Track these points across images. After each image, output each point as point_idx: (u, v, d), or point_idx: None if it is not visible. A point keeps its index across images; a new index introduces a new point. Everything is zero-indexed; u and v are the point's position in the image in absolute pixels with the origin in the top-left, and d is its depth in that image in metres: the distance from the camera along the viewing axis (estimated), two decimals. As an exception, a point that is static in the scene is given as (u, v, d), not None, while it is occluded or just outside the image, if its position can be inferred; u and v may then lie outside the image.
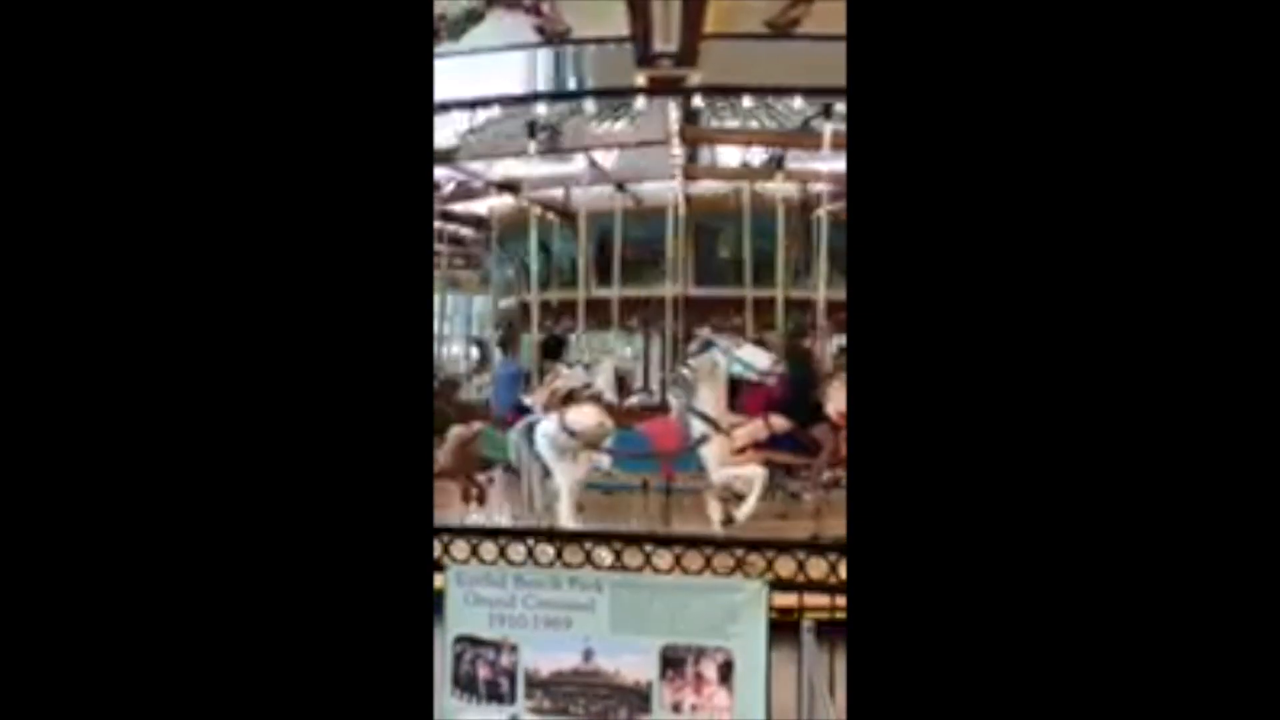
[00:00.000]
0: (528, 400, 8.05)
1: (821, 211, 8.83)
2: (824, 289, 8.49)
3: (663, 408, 7.89)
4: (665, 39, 7.76)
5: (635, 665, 4.16)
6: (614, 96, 8.94)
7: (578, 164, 9.72)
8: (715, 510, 6.62)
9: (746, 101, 8.81)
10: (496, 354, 10.46)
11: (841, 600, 3.65)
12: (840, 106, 7.54)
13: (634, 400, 9.06)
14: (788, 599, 4.12)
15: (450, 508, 7.82)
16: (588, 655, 4.20)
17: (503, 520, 7.82)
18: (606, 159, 10.26)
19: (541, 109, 8.52)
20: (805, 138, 8.90)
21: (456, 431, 7.96)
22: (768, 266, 9.55)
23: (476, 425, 8.08)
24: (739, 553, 4.28)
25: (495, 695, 4.27)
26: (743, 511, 6.40)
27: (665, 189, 9.82)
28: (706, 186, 10.24)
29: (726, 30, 8.17)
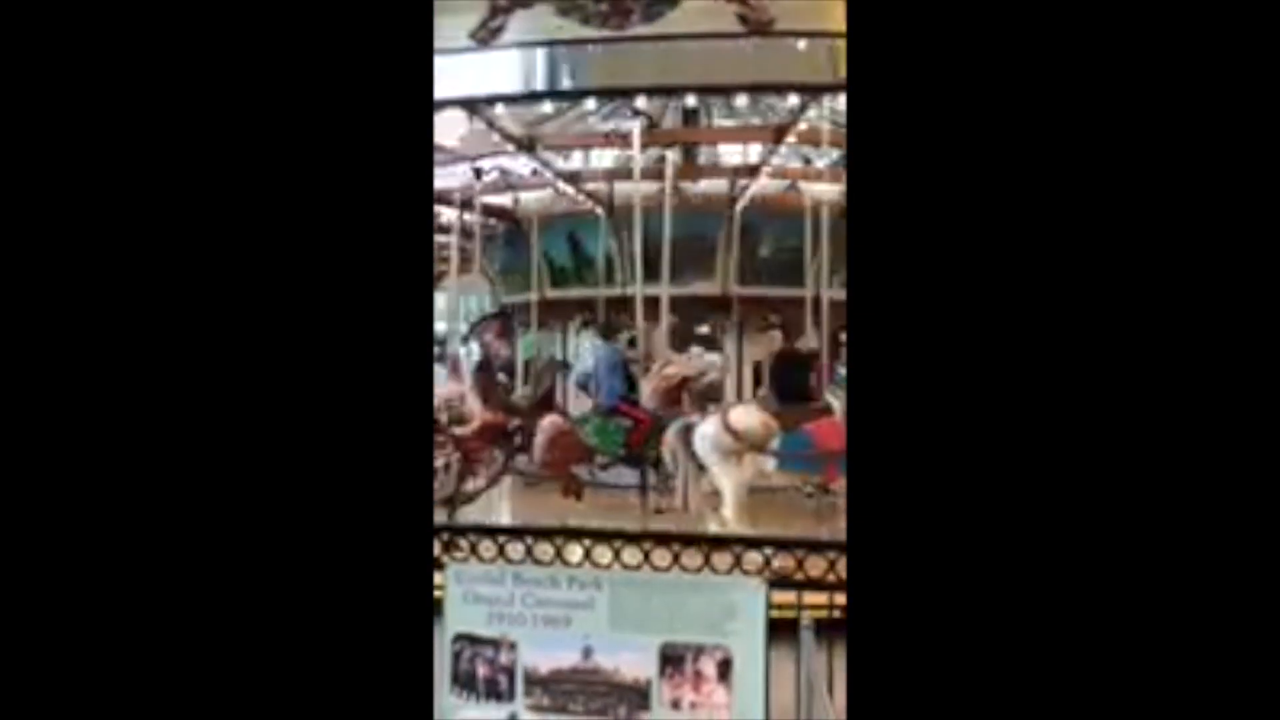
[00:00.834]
0: (643, 388, 7.85)
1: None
2: None
3: (827, 409, 7.77)
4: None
5: (634, 663, 4.16)
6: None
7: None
8: None
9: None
10: (590, 343, 10.14)
11: (840, 598, 3.66)
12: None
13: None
14: (787, 596, 4.13)
15: (544, 507, 7.49)
16: (587, 653, 4.20)
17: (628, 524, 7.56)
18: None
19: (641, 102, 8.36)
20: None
21: (550, 423, 7.72)
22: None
23: (555, 417, 7.81)
24: (737, 550, 4.28)
25: (494, 693, 4.26)
26: None
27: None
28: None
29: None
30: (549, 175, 10.59)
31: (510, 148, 9.63)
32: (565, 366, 10.06)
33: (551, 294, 11.67)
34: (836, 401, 7.20)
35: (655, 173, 9.67)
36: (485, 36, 7.30)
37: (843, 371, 7.18)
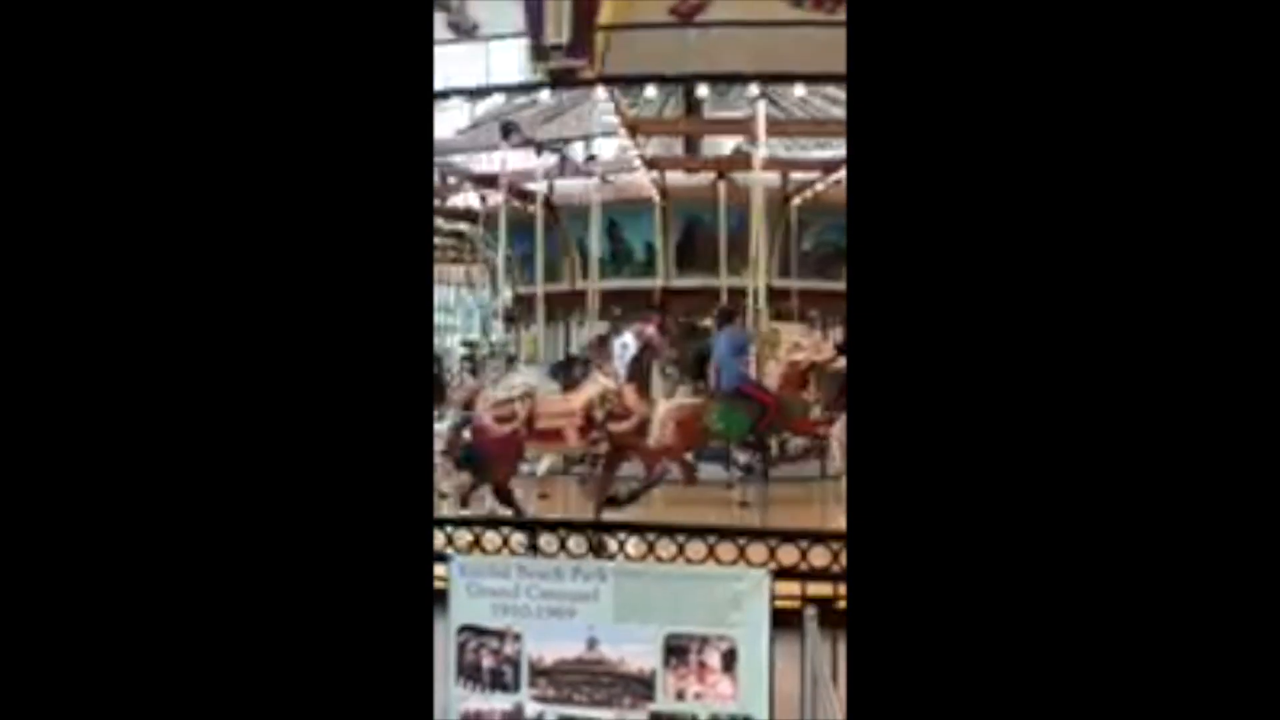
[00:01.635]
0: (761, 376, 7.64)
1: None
2: None
3: None
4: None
5: (639, 654, 4.18)
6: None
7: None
8: None
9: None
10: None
11: (844, 589, 3.66)
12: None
13: None
14: (790, 587, 4.14)
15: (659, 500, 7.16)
16: (592, 644, 4.22)
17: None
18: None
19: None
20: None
21: (674, 406, 7.44)
22: None
23: (680, 400, 7.60)
24: (741, 541, 4.30)
25: (499, 684, 4.29)
26: None
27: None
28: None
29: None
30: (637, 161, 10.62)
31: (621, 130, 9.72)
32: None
33: (608, 284, 11.54)
34: None
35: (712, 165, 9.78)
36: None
37: None
